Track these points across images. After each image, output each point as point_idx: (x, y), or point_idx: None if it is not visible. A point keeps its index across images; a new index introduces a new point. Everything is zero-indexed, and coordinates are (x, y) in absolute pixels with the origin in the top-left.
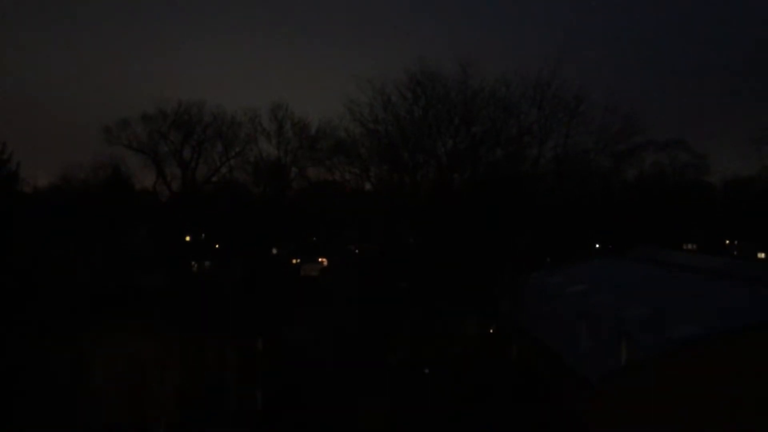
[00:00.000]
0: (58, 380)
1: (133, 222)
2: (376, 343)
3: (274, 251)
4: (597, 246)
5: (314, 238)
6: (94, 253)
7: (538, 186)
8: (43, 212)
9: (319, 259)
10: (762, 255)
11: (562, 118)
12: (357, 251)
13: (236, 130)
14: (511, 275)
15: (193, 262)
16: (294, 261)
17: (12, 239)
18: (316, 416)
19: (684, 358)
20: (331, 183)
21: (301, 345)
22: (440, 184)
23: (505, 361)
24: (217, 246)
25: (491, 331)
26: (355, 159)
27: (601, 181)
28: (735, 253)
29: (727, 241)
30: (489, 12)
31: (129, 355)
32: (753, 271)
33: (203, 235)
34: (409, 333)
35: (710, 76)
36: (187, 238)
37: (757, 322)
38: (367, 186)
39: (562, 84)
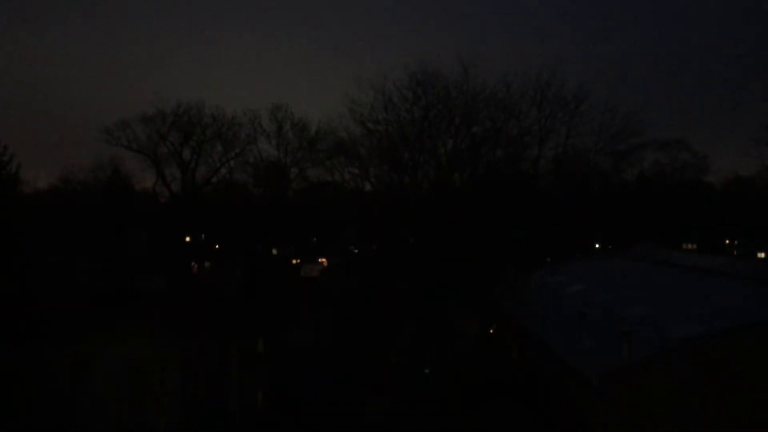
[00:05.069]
0: (57, 381)
1: (133, 223)
2: (377, 343)
3: (274, 252)
4: (597, 246)
5: (314, 239)
6: (94, 255)
7: (538, 186)
8: (43, 213)
9: (320, 260)
10: (762, 254)
11: (562, 118)
12: (357, 251)
13: (236, 131)
14: (511, 275)
15: (193, 263)
16: (294, 262)
17: (12, 241)
18: (317, 416)
19: (684, 356)
20: (331, 183)
21: (302, 346)
22: (440, 184)
23: (505, 361)
24: (217, 247)
25: (491, 331)
26: (355, 159)
27: (601, 181)
28: (735, 252)
29: (727, 241)
30: (489, 12)
31: (129, 356)
32: (752, 270)
33: (203, 235)
34: (409, 333)
35: (711, 75)
36: (187, 239)
37: (757, 321)
38: (367, 186)
39: (562, 84)
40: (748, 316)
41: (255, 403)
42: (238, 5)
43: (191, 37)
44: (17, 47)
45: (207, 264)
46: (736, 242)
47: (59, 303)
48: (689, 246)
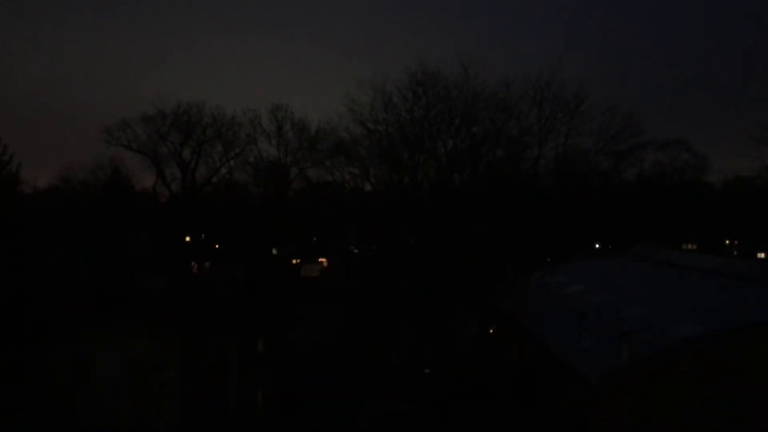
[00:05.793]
0: (57, 381)
1: (133, 223)
2: (377, 343)
3: (274, 252)
4: (597, 246)
5: (314, 239)
6: (95, 254)
7: (538, 186)
8: (43, 213)
9: (320, 260)
10: (762, 254)
11: (562, 118)
12: (357, 251)
13: (236, 131)
14: (511, 275)
15: (193, 263)
16: (294, 261)
17: (12, 240)
18: (317, 416)
19: (684, 356)
20: (331, 183)
21: (302, 346)
22: (440, 184)
23: (505, 361)
24: (217, 246)
25: (491, 331)
26: (355, 159)
27: (601, 181)
28: (735, 252)
29: (727, 241)
30: (489, 12)
31: (129, 357)
32: (752, 270)
33: (203, 235)
34: (409, 333)
35: (711, 75)
36: (187, 239)
37: (757, 321)
38: (367, 186)
39: (562, 84)
40: (748, 316)
41: (255, 403)
42: (238, 5)
43: (191, 37)
44: (17, 47)
45: (207, 264)
46: (736, 242)
47: (59, 303)
48: (689, 246)
